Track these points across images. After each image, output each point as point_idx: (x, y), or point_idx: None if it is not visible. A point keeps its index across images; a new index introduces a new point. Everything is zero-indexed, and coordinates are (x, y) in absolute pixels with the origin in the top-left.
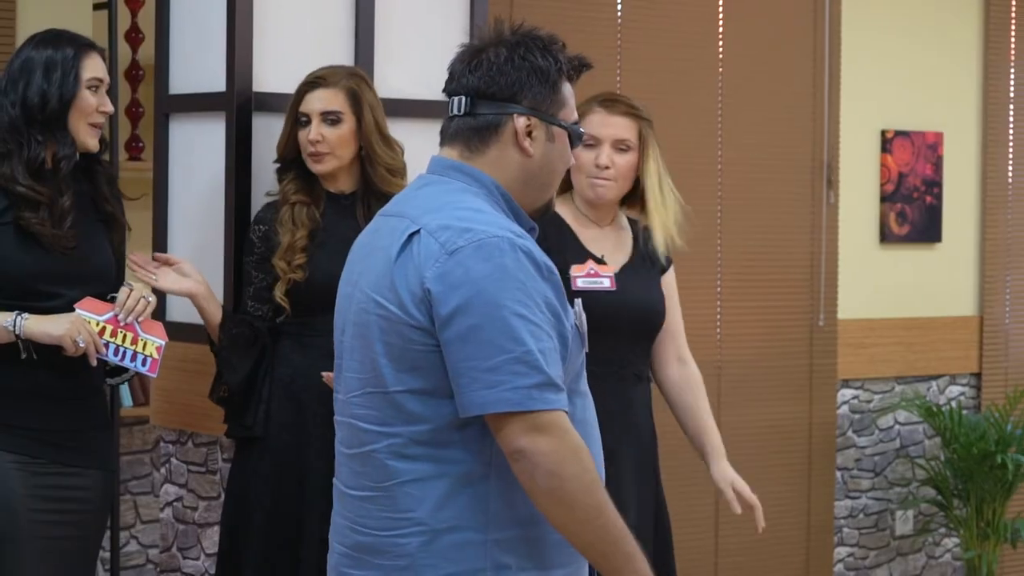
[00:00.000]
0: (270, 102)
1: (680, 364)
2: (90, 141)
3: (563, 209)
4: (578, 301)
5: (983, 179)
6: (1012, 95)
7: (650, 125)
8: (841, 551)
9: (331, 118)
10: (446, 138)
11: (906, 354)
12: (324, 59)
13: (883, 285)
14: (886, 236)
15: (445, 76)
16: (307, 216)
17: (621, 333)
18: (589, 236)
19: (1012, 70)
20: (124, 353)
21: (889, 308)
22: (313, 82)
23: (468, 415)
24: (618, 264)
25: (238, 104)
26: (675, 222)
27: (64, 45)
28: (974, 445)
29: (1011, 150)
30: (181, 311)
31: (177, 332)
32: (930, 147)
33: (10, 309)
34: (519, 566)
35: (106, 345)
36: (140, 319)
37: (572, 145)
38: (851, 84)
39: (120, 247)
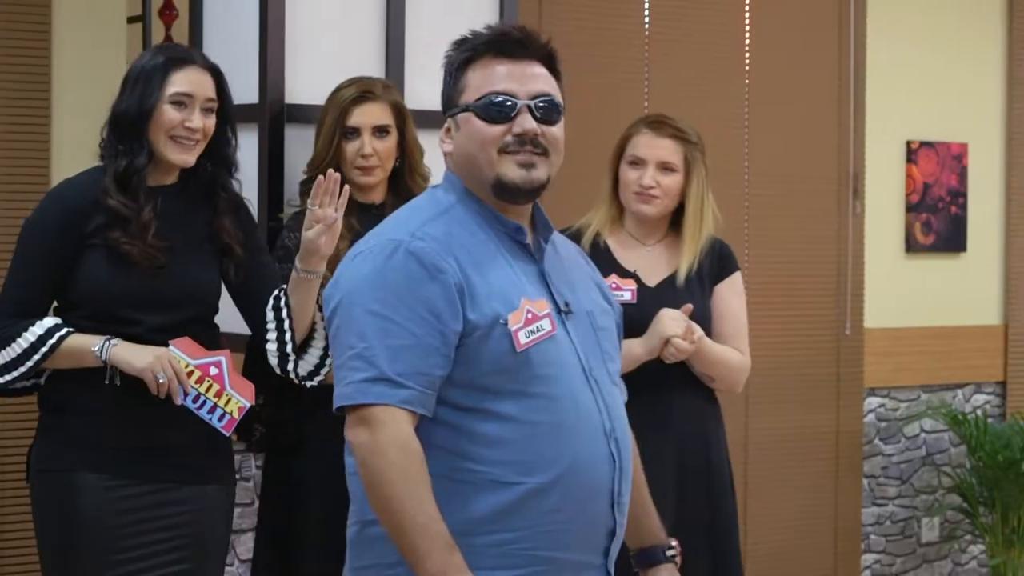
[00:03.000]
0: (302, 113)
1: None
2: (174, 156)
3: (608, 231)
4: (523, 300)
5: (1007, 189)
6: None
7: (697, 149)
8: (868, 558)
9: (381, 131)
10: None
11: (932, 363)
12: (355, 71)
13: (909, 294)
14: (911, 246)
15: None
16: (346, 227)
17: None
18: (629, 254)
19: None
20: (204, 403)
21: (915, 317)
22: (361, 96)
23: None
24: (657, 279)
25: (270, 115)
26: (702, 250)
27: (158, 56)
28: (999, 453)
29: None
30: (225, 322)
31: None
32: (955, 157)
33: (95, 332)
34: None
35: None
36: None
37: (488, 117)
38: (876, 95)
39: (252, 259)
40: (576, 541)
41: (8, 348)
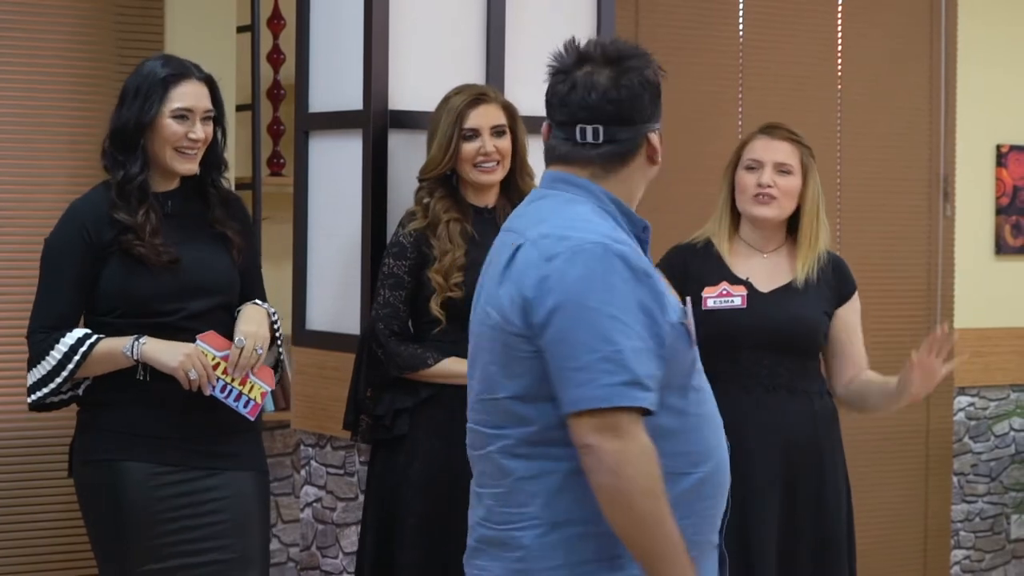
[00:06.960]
0: (405, 119)
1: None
2: (180, 167)
3: (724, 240)
4: (688, 299)
5: None
6: None
7: (810, 153)
8: (958, 554)
9: (498, 131)
10: (568, 163)
11: (1021, 362)
12: (457, 78)
13: (998, 295)
14: (1001, 248)
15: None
16: (461, 234)
17: (762, 348)
18: (742, 261)
19: None
20: (231, 392)
21: (1004, 318)
22: (477, 99)
23: (566, 413)
24: (772, 286)
25: (374, 122)
26: (817, 258)
27: (157, 70)
28: None
29: None
30: (320, 320)
31: (317, 340)
32: None
33: (137, 327)
34: (633, 557)
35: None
36: (254, 370)
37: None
38: (966, 99)
39: (247, 261)
40: (715, 524)
41: (42, 362)
